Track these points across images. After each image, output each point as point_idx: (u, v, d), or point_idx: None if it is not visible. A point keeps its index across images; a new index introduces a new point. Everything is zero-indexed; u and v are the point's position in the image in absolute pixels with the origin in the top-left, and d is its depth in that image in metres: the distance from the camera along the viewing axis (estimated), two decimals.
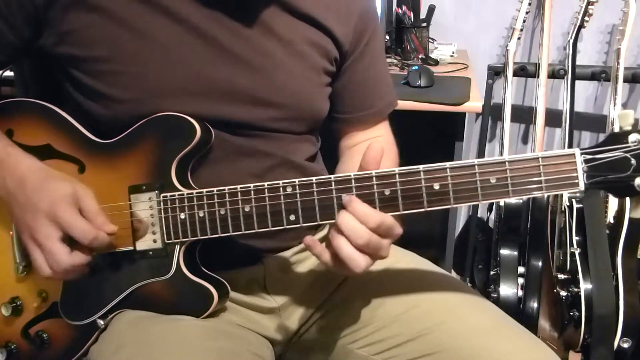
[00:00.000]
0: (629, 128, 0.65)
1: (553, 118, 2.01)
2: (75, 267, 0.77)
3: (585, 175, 0.66)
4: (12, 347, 0.87)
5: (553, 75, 1.94)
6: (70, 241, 0.77)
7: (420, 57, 1.95)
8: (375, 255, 0.72)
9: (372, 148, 0.72)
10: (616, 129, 0.66)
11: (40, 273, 0.78)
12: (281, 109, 0.86)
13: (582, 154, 0.66)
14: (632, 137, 0.64)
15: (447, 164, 0.69)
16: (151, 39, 0.79)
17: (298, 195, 0.74)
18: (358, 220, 0.70)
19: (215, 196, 0.77)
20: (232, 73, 0.82)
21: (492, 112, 2.13)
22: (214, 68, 0.81)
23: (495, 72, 2.05)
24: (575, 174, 0.66)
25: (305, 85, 0.88)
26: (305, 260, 0.93)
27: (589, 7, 1.81)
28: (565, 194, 1.72)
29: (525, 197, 1.69)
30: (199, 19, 0.80)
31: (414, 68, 1.69)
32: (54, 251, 0.76)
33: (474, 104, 1.57)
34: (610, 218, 1.70)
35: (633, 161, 0.64)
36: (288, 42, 0.85)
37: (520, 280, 1.75)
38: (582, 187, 0.66)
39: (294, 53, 0.86)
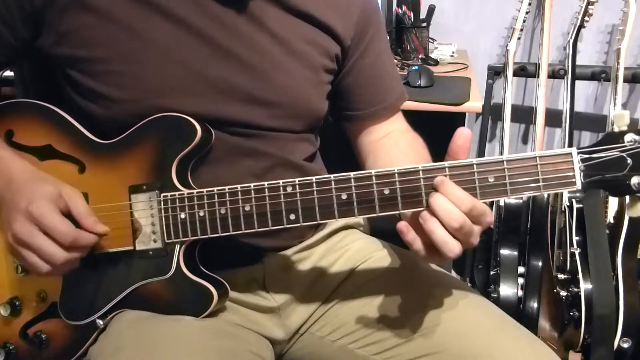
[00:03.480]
0: (624, 128, 0.66)
1: (553, 118, 2.01)
2: (73, 261, 0.77)
3: (582, 174, 0.66)
4: (11, 347, 0.87)
5: (553, 75, 1.94)
6: None
7: (420, 57, 1.95)
8: (466, 242, 0.69)
9: (461, 135, 0.70)
10: (615, 129, 0.66)
11: (38, 272, 0.76)
12: (278, 107, 0.86)
13: (579, 153, 0.66)
14: (628, 137, 0.65)
15: (446, 163, 0.69)
16: (148, 39, 0.80)
17: (298, 194, 0.74)
18: (451, 202, 0.67)
19: (216, 196, 0.77)
20: (229, 72, 0.82)
21: (492, 112, 2.13)
22: (211, 67, 0.82)
23: (495, 72, 2.05)
24: (572, 173, 0.66)
25: (303, 84, 0.88)
26: (305, 259, 0.94)
27: (589, 7, 1.81)
28: (565, 194, 1.72)
29: (523, 196, 1.69)
30: (196, 18, 0.81)
31: (414, 68, 1.69)
32: (43, 246, 0.74)
33: (474, 104, 1.57)
34: (610, 218, 1.70)
35: (629, 160, 0.65)
36: (285, 40, 0.86)
37: (520, 280, 1.74)
38: (579, 185, 0.66)
39: (291, 52, 0.86)
